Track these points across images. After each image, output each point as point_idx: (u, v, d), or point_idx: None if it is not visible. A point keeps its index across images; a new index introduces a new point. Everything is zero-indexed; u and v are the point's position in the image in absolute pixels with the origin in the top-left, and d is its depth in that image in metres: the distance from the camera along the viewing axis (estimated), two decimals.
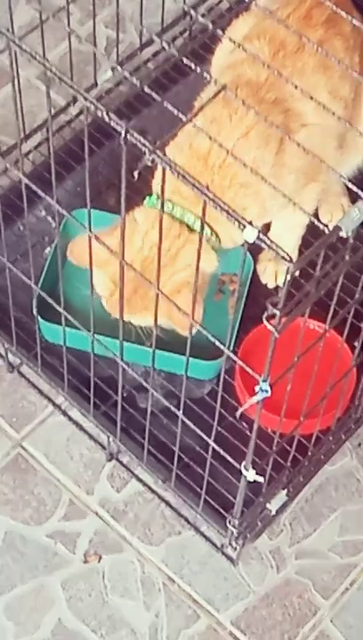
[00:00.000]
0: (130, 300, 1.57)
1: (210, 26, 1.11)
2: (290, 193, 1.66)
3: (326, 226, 1.16)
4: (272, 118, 1.61)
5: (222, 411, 1.46)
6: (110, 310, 1.63)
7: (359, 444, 1.87)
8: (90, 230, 1.34)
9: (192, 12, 1.19)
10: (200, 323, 1.31)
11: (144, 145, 1.04)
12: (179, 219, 1.62)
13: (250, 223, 1.02)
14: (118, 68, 1.19)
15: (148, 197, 1.66)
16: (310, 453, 1.69)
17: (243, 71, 1.64)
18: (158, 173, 1.55)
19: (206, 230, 1.64)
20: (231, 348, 1.72)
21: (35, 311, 1.76)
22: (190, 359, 1.40)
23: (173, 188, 1.56)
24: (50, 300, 1.59)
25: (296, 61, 1.63)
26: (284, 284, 1.08)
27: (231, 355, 1.30)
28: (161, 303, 1.34)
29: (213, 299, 1.92)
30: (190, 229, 1.62)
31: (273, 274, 1.92)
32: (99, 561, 1.76)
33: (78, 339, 1.70)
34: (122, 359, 1.50)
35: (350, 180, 1.20)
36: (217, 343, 1.29)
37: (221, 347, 1.29)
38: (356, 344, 1.55)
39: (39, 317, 1.78)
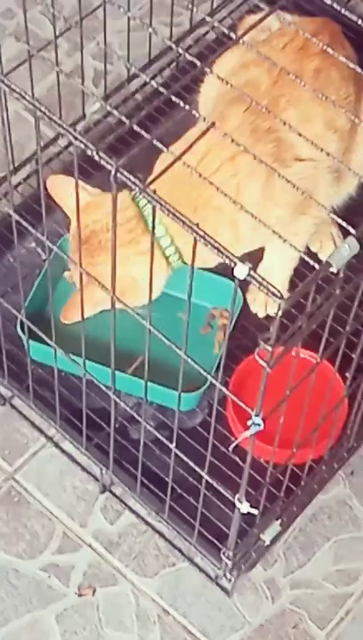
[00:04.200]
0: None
1: (198, 63, 1.11)
2: (275, 226, 1.67)
3: (316, 255, 1.16)
4: (262, 147, 1.61)
5: (215, 441, 1.46)
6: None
7: (352, 473, 1.87)
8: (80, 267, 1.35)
9: (177, 48, 1.19)
10: (188, 354, 1.30)
11: (134, 184, 1.05)
12: (144, 218, 1.60)
13: (241, 260, 1.02)
14: (103, 103, 1.19)
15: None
16: (303, 483, 1.68)
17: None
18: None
19: (171, 247, 1.63)
20: (219, 379, 1.72)
21: (18, 330, 1.75)
22: (170, 391, 1.40)
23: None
24: (36, 330, 1.59)
25: (293, 90, 1.64)
26: (275, 319, 1.08)
27: (222, 388, 1.30)
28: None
29: (201, 332, 1.92)
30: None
31: (263, 304, 1.91)
32: (93, 594, 1.76)
33: (67, 362, 1.69)
34: (114, 392, 1.50)
35: (341, 209, 1.20)
36: (208, 377, 1.29)
37: (212, 380, 1.29)
38: (347, 374, 1.55)
39: (29, 339, 1.74)
